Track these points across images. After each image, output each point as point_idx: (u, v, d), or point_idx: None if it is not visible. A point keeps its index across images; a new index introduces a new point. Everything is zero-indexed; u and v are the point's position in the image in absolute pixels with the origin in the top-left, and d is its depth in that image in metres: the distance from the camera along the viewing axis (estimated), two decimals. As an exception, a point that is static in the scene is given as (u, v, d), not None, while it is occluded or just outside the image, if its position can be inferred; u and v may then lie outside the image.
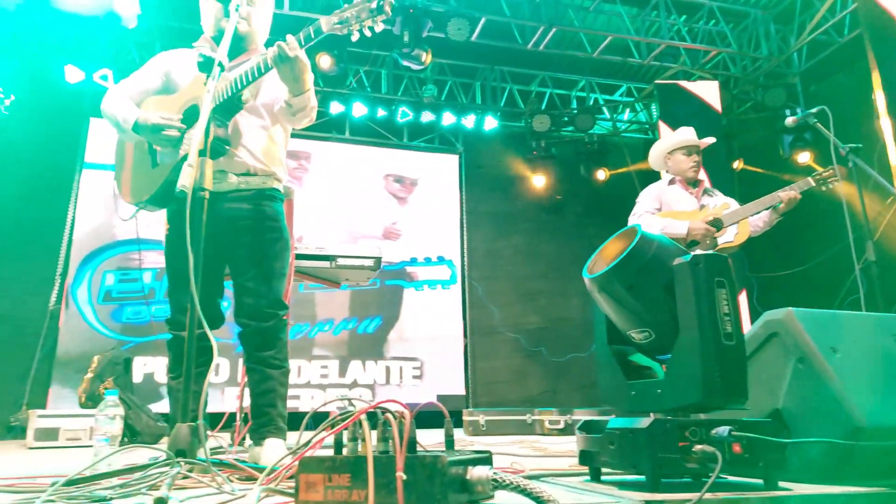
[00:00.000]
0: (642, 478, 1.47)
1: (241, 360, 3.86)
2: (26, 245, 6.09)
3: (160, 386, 6.18)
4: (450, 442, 1.45)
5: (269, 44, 2.33)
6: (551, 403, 6.83)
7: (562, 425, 4.91)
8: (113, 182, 2.48)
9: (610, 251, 1.71)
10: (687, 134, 3.73)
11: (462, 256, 7.72)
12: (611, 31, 6.91)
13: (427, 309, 7.40)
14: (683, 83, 7.28)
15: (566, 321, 7.56)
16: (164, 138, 2.22)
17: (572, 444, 3.37)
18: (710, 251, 3.23)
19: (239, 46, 2.26)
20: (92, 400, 4.73)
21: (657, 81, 7.45)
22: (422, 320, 7.34)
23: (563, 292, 7.49)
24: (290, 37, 2.11)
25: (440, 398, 6.96)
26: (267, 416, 2.29)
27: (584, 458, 1.68)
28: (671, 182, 3.73)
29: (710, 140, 3.74)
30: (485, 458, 1.32)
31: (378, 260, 3.65)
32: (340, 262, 3.54)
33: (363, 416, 1.26)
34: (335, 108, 7.27)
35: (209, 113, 1.86)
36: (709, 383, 1.49)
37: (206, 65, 1.95)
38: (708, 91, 7.18)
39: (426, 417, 1.83)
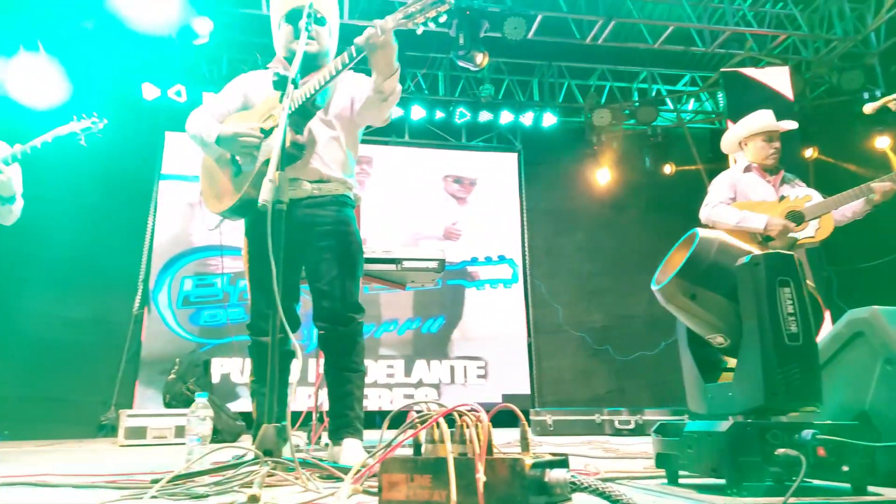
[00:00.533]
0: (722, 481, 1.45)
1: (311, 361, 3.99)
2: (111, 253, 6.47)
3: (237, 386, 6.46)
4: (525, 444, 1.47)
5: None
6: (619, 403, 6.73)
7: (632, 426, 4.84)
8: (189, 191, 2.63)
9: (674, 260, 1.69)
10: (767, 118, 3.48)
11: (523, 255, 7.70)
12: (672, 20, 6.74)
13: (489, 308, 7.43)
14: (751, 70, 7.01)
15: (632, 318, 7.42)
16: (245, 145, 2.34)
17: (644, 445, 3.32)
18: (785, 248, 3.11)
19: (310, 65, 2.35)
20: (176, 400, 4.99)
21: (723, 69, 7.20)
22: (485, 319, 7.37)
23: (628, 289, 7.35)
24: (376, 21, 2.16)
25: (505, 397, 6.98)
26: (345, 417, 2.37)
27: (661, 460, 1.67)
28: (747, 169, 3.50)
29: (792, 124, 3.49)
30: (562, 461, 1.33)
31: (442, 262, 3.69)
32: (406, 264, 3.60)
33: (441, 419, 1.30)
34: (394, 112, 7.37)
35: (285, 127, 1.95)
36: (771, 386, 1.46)
37: (280, 83, 2.05)
38: (778, 77, 6.89)
39: (494, 417, 1.86)
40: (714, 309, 1.60)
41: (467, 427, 1.26)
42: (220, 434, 4.60)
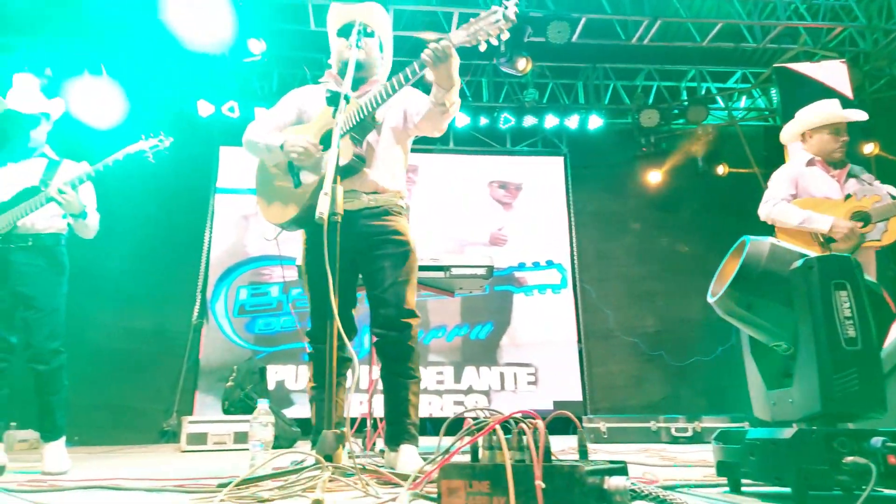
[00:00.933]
0: (787, 489, 1.41)
1: (364, 368, 4.05)
2: (170, 265, 6.73)
3: (291, 392, 6.60)
4: (583, 451, 1.47)
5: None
6: (674, 410, 6.55)
7: (689, 433, 4.73)
8: (244, 204, 2.72)
9: (727, 270, 1.67)
10: (833, 108, 3.24)
11: (572, 259, 7.62)
12: (721, 17, 6.57)
13: (538, 314, 7.38)
14: (805, 65, 6.77)
15: (687, 323, 7.24)
16: (306, 159, 2.42)
17: (702, 453, 3.24)
18: (850, 250, 2.98)
19: (361, 77, 2.41)
20: (234, 406, 5.14)
21: (776, 65, 6.98)
22: (534, 325, 7.32)
23: (682, 292, 7.18)
24: (442, 40, 2.24)
25: (557, 404, 6.91)
26: (401, 424, 2.41)
27: (722, 468, 1.64)
28: (810, 163, 3.27)
29: (861, 114, 3.23)
30: (621, 468, 1.33)
31: (490, 268, 3.71)
32: (455, 271, 3.63)
33: (498, 426, 1.31)
34: (442, 121, 7.43)
35: (338, 142, 2.01)
36: (827, 392, 1.42)
37: (333, 99, 2.12)
38: (834, 70, 6.63)
39: (547, 424, 1.86)
40: (772, 317, 1.57)
41: (524, 434, 1.27)
42: (277, 440, 4.68)
